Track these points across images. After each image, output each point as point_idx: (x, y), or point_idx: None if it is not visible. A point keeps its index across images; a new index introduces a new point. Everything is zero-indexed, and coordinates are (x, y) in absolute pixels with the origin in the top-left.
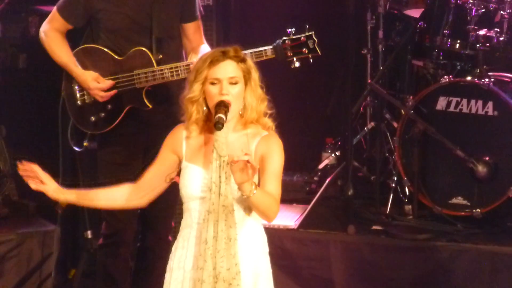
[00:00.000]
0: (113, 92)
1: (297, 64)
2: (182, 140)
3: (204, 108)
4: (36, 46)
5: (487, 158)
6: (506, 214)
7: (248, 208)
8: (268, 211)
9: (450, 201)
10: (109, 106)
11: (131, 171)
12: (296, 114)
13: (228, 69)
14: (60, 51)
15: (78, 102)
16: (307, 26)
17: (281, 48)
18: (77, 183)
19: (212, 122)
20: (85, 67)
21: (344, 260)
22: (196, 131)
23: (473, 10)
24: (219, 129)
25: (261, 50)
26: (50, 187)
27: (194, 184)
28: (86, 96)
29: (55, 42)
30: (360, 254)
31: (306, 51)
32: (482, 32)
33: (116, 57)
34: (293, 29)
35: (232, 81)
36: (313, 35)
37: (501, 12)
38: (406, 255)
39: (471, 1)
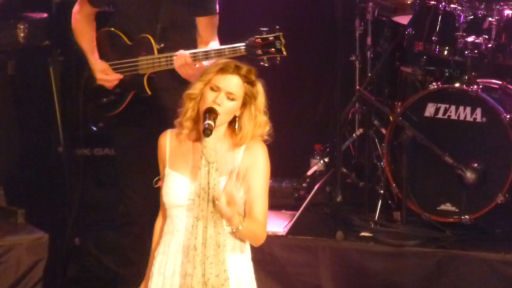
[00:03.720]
0: (119, 78)
1: (266, 64)
2: (166, 148)
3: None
4: (25, 53)
5: (476, 165)
6: (494, 220)
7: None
8: (256, 238)
9: (438, 208)
10: (117, 90)
11: (145, 153)
12: (284, 121)
13: (231, 83)
14: (82, 37)
15: (95, 84)
16: (277, 27)
17: (253, 46)
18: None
19: (198, 130)
20: (101, 49)
21: (333, 266)
22: (189, 129)
23: (462, 17)
24: (208, 135)
25: (236, 47)
26: None
27: (176, 193)
28: None
29: (79, 27)
30: (348, 260)
31: (274, 51)
32: (470, 39)
33: (127, 42)
34: (266, 29)
35: (229, 96)
36: (280, 36)
37: (490, 19)
38: (395, 261)
39: (460, 7)
